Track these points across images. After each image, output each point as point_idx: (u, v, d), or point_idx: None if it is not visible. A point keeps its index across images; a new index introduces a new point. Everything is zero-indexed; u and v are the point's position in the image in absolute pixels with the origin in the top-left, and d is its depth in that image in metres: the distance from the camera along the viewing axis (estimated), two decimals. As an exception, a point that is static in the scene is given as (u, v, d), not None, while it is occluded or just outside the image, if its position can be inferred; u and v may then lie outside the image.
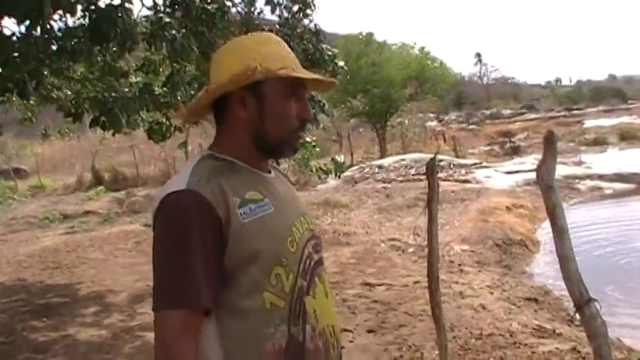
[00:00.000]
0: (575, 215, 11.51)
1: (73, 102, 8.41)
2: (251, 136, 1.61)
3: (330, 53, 7.36)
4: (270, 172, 1.71)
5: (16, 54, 5.77)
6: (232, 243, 1.48)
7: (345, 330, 5.79)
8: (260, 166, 1.66)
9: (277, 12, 7.22)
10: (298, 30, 7.16)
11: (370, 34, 31.93)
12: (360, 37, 31.56)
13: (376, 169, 20.00)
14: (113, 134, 8.31)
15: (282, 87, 1.59)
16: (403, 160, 20.77)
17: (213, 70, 1.68)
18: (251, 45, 1.64)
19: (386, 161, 21.44)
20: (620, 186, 15.62)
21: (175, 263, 1.45)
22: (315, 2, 7.38)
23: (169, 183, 1.56)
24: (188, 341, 1.43)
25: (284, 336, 1.51)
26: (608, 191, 15.36)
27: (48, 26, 5.84)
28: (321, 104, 7.44)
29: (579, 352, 4.87)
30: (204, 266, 1.44)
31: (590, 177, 16.52)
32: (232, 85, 1.56)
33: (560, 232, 2.26)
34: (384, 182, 17.64)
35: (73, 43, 5.79)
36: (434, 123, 42.02)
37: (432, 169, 3.35)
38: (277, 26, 7.26)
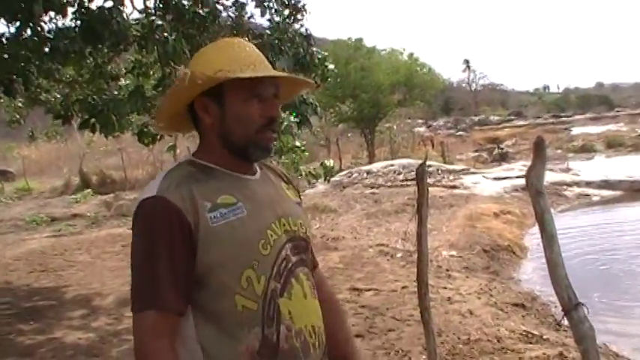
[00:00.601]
0: (563, 222, 11.56)
1: (63, 104, 8.39)
2: (220, 141, 1.64)
3: (320, 57, 7.40)
4: (255, 174, 1.72)
5: (5, 55, 5.76)
6: (202, 247, 1.51)
7: (333, 334, 5.81)
8: (241, 168, 1.68)
9: (267, 16, 7.25)
10: (289, 34, 7.18)
11: (359, 40, 31.96)
12: (349, 42, 31.58)
13: (365, 174, 20.00)
14: (106, 137, 8.29)
15: (240, 89, 1.60)
16: (392, 165, 20.77)
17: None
18: (210, 53, 1.69)
19: (374, 166, 21.44)
20: (607, 193, 15.70)
21: (145, 268, 1.51)
22: (306, 7, 7.43)
23: (145, 189, 1.60)
24: (161, 340, 1.47)
25: (257, 337, 1.54)
26: (595, 198, 15.44)
27: (39, 27, 5.82)
28: (313, 106, 7.45)
29: (566, 357, 4.90)
30: (171, 269, 1.49)
31: (577, 184, 16.58)
32: (187, 92, 1.61)
33: (548, 238, 2.28)
34: (372, 187, 17.65)
35: (65, 43, 5.77)
36: (422, 129, 42.15)
37: (421, 174, 3.37)
38: (267, 31, 7.29)
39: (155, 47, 6.61)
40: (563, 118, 53.04)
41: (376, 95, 28.97)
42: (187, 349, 1.53)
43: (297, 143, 8.10)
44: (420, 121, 44.59)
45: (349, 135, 35.26)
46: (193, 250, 1.51)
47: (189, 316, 1.53)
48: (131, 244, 1.56)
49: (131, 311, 1.51)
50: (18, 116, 10.52)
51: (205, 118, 1.63)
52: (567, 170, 19.10)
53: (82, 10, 6.03)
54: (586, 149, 27.26)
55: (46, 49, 6.12)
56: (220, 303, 1.53)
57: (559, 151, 25.71)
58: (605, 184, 16.31)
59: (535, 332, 5.71)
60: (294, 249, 1.68)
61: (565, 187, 16.10)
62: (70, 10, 6.04)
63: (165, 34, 6.56)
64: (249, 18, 7.38)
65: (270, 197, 1.71)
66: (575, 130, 38.66)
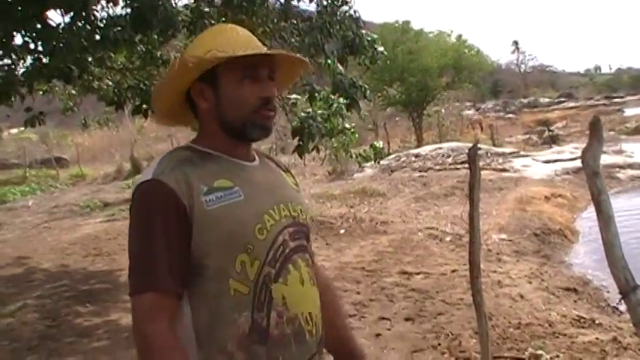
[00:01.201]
0: (617, 204, 11.29)
1: (115, 91, 8.54)
2: (218, 124, 1.66)
3: (369, 39, 7.34)
4: (254, 160, 1.74)
5: (61, 44, 5.89)
6: (197, 229, 1.53)
7: (383, 318, 5.82)
8: (240, 154, 1.69)
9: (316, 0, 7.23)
10: (337, 17, 7.16)
11: (407, 22, 31.75)
12: (397, 25, 31.38)
13: (413, 158, 19.90)
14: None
15: (233, 71, 1.61)
16: (440, 148, 20.62)
17: None
18: (204, 37, 1.71)
19: (423, 150, 21.31)
20: (662, 175, 15.33)
21: (140, 250, 1.53)
22: (354, -12, 7.37)
23: (143, 173, 1.64)
24: (159, 322, 1.47)
25: (247, 321, 1.54)
26: (650, 180, 15.09)
27: (92, 17, 5.94)
28: (363, 89, 7.42)
29: (620, 342, 4.81)
30: (168, 251, 1.50)
31: (631, 166, 16.21)
32: (185, 77, 1.62)
33: (605, 219, 2.25)
34: (420, 171, 17.57)
35: (115, 31, 5.87)
36: (471, 112, 41.73)
37: (473, 156, 3.35)
38: (316, 13, 7.27)
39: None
40: (616, 99, 51.93)
41: (424, 78, 28.76)
42: (183, 331, 1.54)
43: (347, 125, 8.09)
44: (468, 103, 44.11)
45: (397, 119, 35.09)
46: (189, 232, 1.52)
47: (185, 301, 1.55)
48: (128, 227, 1.57)
49: (128, 295, 1.52)
50: (72, 104, 10.73)
51: (202, 103, 1.65)
52: (620, 152, 18.68)
53: (133, -2, 6.13)
54: (639, 131, 26.58)
55: (97, 38, 6.23)
56: (215, 286, 1.54)
57: (611, 132, 25.09)
58: (660, 166, 15.93)
59: (587, 317, 5.63)
60: (294, 234, 1.69)
61: (618, 169, 15.76)
62: (121, -2, 6.15)
63: (213, 21, 6.62)
64: (298, 2, 7.38)
65: (270, 183, 1.72)
66: (628, 112, 37.75)
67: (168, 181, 1.52)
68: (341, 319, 1.97)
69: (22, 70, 6.89)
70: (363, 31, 7.34)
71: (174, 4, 6.35)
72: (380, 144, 9.58)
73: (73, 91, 9.96)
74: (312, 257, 1.79)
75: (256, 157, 1.76)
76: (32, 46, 6.31)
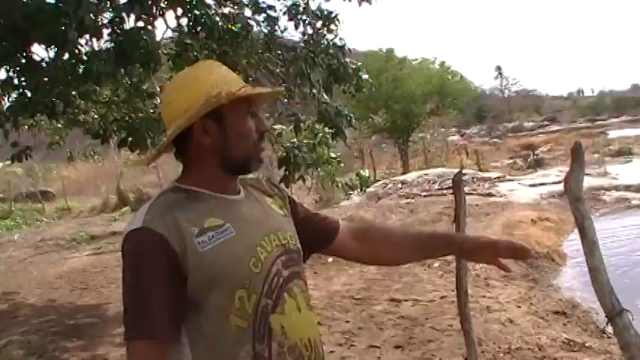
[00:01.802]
0: (603, 226, 11.37)
1: (101, 124, 8.54)
2: (219, 160, 1.68)
3: (354, 67, 7.40)
4: (239, 193, 1.75)
5: (45, 78, 5.90)
6: (193, 272, 1.53)
7: (373, 346, 5.81)
8: (226, 188, 1.71)
9: (301, 29, 7.27)
10: (322, 45, 7.21)
11: (390, 50, 32.03)
12: (381, 52, 31.64)
13: (399, 185, 19.91)
14: (139, 154, 8.42)
15: (239, 107, 1.66)
16: (426, 174, 20.65)
17: (164, 111, 1.75)
18: (199, 75, 1.73)
19: (409, 176, 21.33)
20: (647, 196, 15.42)
21: (133, 298, 1.55)
22: (338, 17, 7.43)
23: (131, 221, 1.64)
24: None
25: (249, 354, 1.56)
26: (635, 202, 15.15)
27: (76, 51, 5.95)
28: (348, 117, 7.46)
29: (610, 365, 4.83)
30: (161, 299, 1.51)
31: (616, 188, 16.29)
32: (197, 116, 1.63)
33: (589, 244, 2.27)
34: (407, 197, 17.57)
35: (98, 65, 5.89)
36: (456, 137, 41.91)
37: (458, 183, 3.38)
38: (302, 43, 7.32)
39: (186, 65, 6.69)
40: (599, 122, 52.44)
41: (409, 105, 28.91)
42: None
43: (333, 155, 8.11)
44: (453, 129, 44.37)
45: (383, 146, 35.21)
46: (182, 277, 1.53)
47: (184, 340, 1.56)
48: (121, 275, 1.58)
49: (124, 339, 1.54)
50: (58, 138, 10.72)
51: (204, 139, 1.66)
52: (605, 174, 18.81)
53: (117, 31, 6.16)
54: (623, 152, 26.75)
55: (80, 71, 6.23)
56: (215, 323, 1.56)
57: (596, 155, 25.28)
58: (645, 187, 16.02)
59: (577, 340, 5.64)
60: (287, 262, 1.71)
61: (603, 191, 15.85)
62: (106, 32, 6.17)
63: (196, 53, 6.65)
64: (282, 32, 7.42)
65: (256, 215, 1.74)
66: (612, 134, 38.13)
67: (158, 228, 1.53)
68: (403, 235, 2.03)
69: (6, 106, 6.88)
70: (348, 60, 7.39)
71: (156, 38, 6.36)
72: (366, 172, 9.63)
73: (59, 125, 9.94)
74: (306, 280, 1.80)
75: (241, 189, 1.77)
76: (16, 80, 6.32)
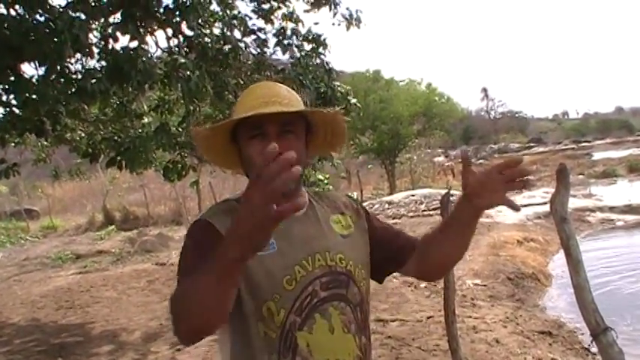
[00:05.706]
0: (587, 247, 11.45)
1: (90, 143, 8.54)
2: None
3: (342, 90, 7.45)
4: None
5: (34, 96, 5.90)
6: None
7: (360, 366, 5.80)
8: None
9: (289, 53, 7.35)
10: (310, 68, 7.27)
11: (377, 72, 32.14)
12: (368, 74, 31.77)
13: (386, 205, 19.96)
14: (131, 172, 8.44)
15: (245, 131, 1.70)
16: (413, 195, 20.71)
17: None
18: (241, 97, 1.80)
19: (395, 197, 21.40)
20: (631, 217, 15.55)
21: (183, 263, 1.63)
22: (326, 41, 7.51)
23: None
24: None
25: None
26: (619, 223, 15.28)
27: (66, 69, 5.98)
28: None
29: (595, 384, 4.87)
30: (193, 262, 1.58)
31: (600, 209, 16.44)
32: (216, 134, 1.76)
33: (574, 263, 2.31)
34: (394, 218, 17.61)
35: (92, 83, 5.91)
36: (442, 158, 42.10)
37: (446, 203, 3.41)
38: (290, 66, 7.38)
39: (179, 85, 6.73)
40: (584, 144, 52.91)
41: (395, 126, 29.01)
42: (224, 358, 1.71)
43: (320, 176, 8.15)
44: (439, 150, 44.55)
45: (369, 166, 35.29)
46: None
47: (227, 335, 1.69)
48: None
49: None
50: (44, 155, 10.70)
51: (242, 157, 1.76)
52: (590, 196, 18.96)
53: (108, 50, 6.19)
54: (608, 174, 26.99)
55: (73, 90, 6.25)
56: (248, 325, 1.64)
57: (581, 176, 25.51)
58: (629, 209, 16.15)
59: (563, 360, 5.67)
60: (328, 284, 1.71)
61: (588, 212, 15.97)
62: (96, 50, 6.20)
63: (188, 72, 6.68)
64: (271, 55, 7.49)
65: (307, 234, 1.75)
66: (596, 156, 38.47)
67: (214, 222, 1.67)
68: (433, 233, 1.90)
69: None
70: (336, 83, 7.45)
71: (150, 57, 6.41)
72: (354, 195, 9.66)
73: (46, 143, 9.93)
74: (357, 303, 1.77)
75: (307, 203, 1.80)
76: (4, 97, 6.32)
